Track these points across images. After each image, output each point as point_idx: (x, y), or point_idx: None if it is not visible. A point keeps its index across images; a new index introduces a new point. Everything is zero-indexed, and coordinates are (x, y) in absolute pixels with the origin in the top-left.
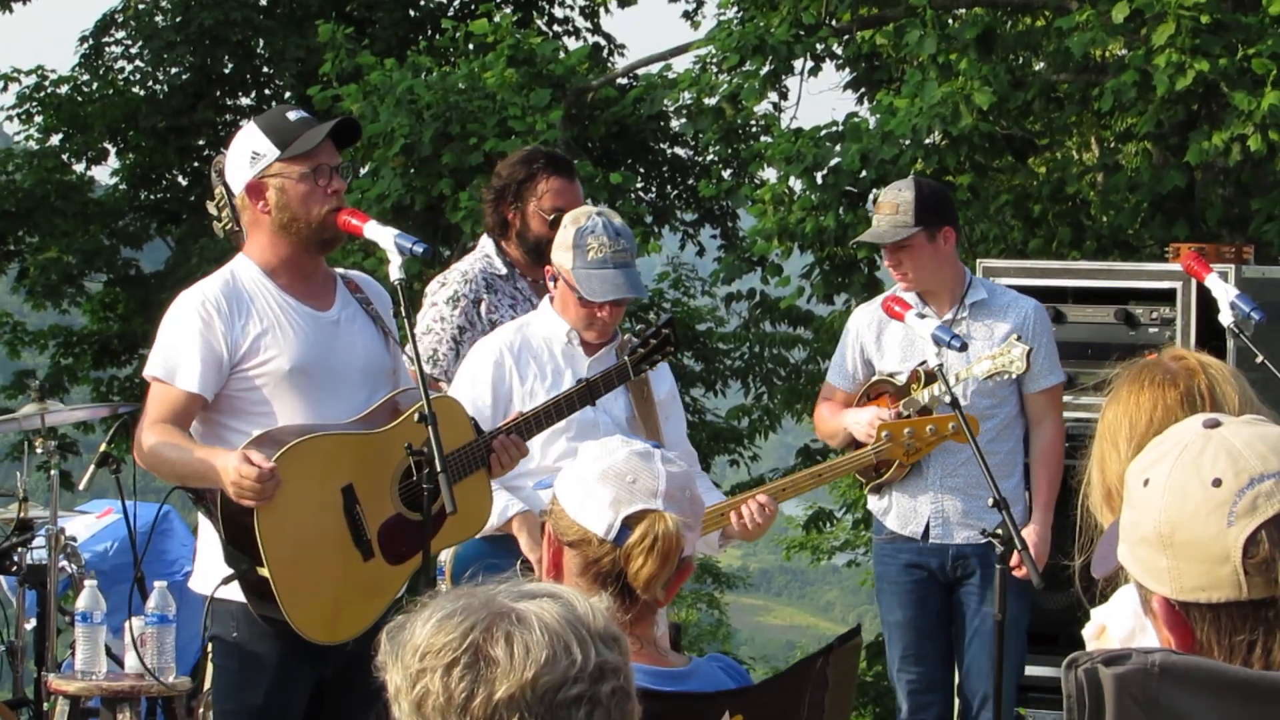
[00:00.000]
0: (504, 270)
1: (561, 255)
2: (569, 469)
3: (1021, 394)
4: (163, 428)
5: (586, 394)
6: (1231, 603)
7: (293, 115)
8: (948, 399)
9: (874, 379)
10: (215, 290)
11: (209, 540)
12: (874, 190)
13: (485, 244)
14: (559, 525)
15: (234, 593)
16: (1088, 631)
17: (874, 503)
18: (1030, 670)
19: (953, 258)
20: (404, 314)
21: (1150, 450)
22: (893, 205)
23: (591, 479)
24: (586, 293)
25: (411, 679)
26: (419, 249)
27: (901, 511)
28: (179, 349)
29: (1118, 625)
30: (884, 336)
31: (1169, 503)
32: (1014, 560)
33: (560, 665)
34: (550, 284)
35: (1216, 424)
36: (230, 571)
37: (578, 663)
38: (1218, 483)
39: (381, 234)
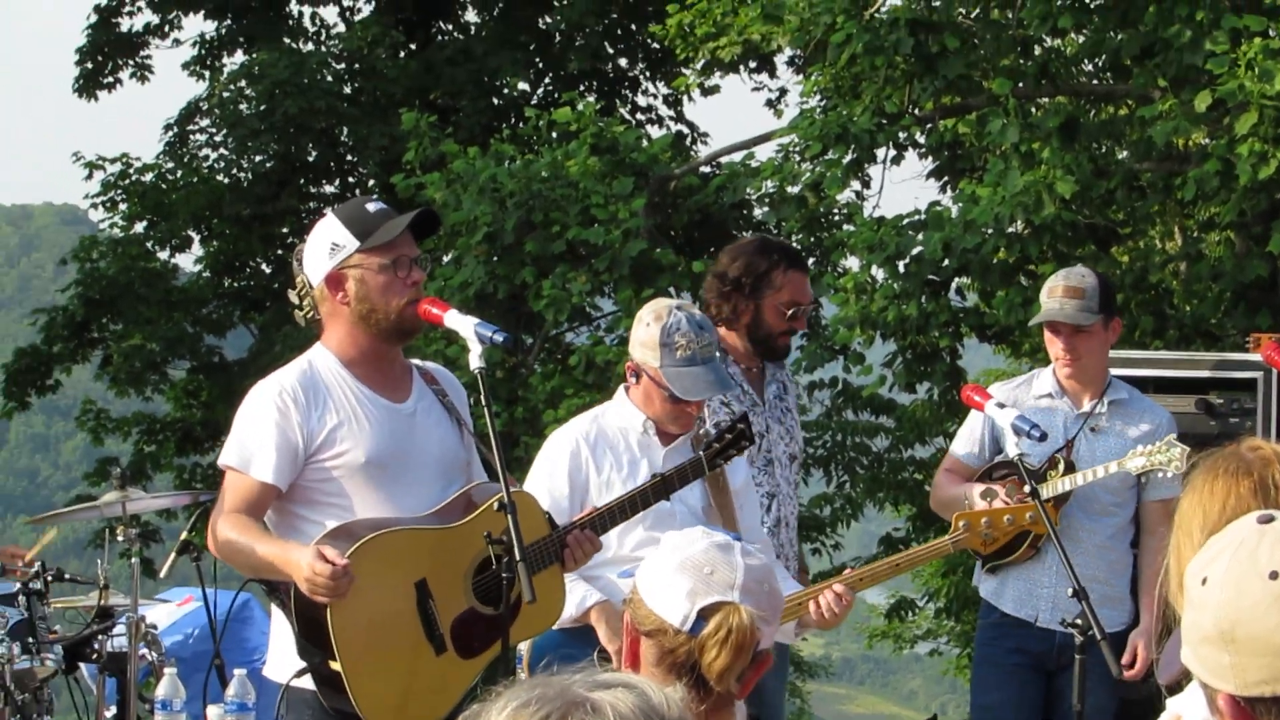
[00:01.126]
0: None
1: (646, 353)
2: (650, 559)
3: (1139, 501)
4: (237, 518)
5: (661, 489)
6: None
7: (372, 206)
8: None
9: (999, 459)
10: (292, 380)
11: (282, 629)
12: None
13: None
14: (637, 614)
15: (309, 681)
16: None
17: (986, 585)
18: None
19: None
20: (485, 403)
21: (1207, 548)
22: (1078, 290)
23: (670, 569)
24: (680, 392)
25: None
26: (499, 337)
27: (1018, 594)
28: (255, 438)
29: (1194, 715)
30: None
31: (1227, 599)
32: (1126, 659)
33: None
34: (631, 379)
35: (1271, 518)
36: (303, 665)
37: None
38: (1275, 575)
39: (462, 323)
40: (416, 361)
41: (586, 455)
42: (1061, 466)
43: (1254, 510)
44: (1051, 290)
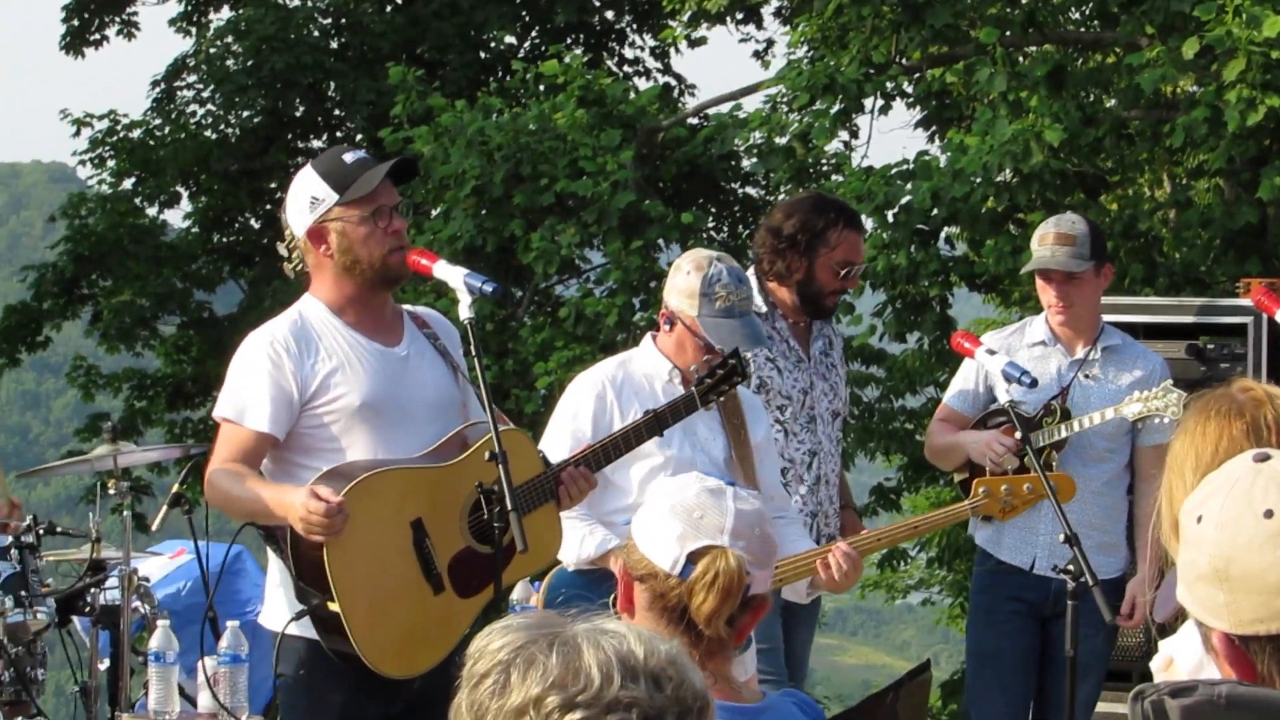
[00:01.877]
0: (764, 308)
1: (685, 302)
2: (645, 505)
3: (1134, 446)
4: (232, 466)
5: (654, 424)
6: None
7: (349, 157)
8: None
9: (994, 407)
10: (284, 330)
11: (278, 578)
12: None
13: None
14: (631, 559)
15: (302, 631)
16: (1155, 664)
17: (982, 533)
18: (1102, 707)
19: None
20: (475, 353)
21: (1202, 488)
22: (1069, 237)
23: (662, 514)
24: (717, 341)
25: (460, 686)
26: (489, 288)
27: (1014, 541)
28: (248, 389)
29: (1185, 657)
30: None
31: (1222, 537)
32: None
33: (570, 688)
34: (665, 326)
35: (1266, 457)
36: (301, 608)
37: (592, 689)
38: (1269, 514)
39: (451, 273)
40: (408, 306)
41: (612, 399)
42: (1058, 414)
43: (1247, 451)
44: (1042, 238)
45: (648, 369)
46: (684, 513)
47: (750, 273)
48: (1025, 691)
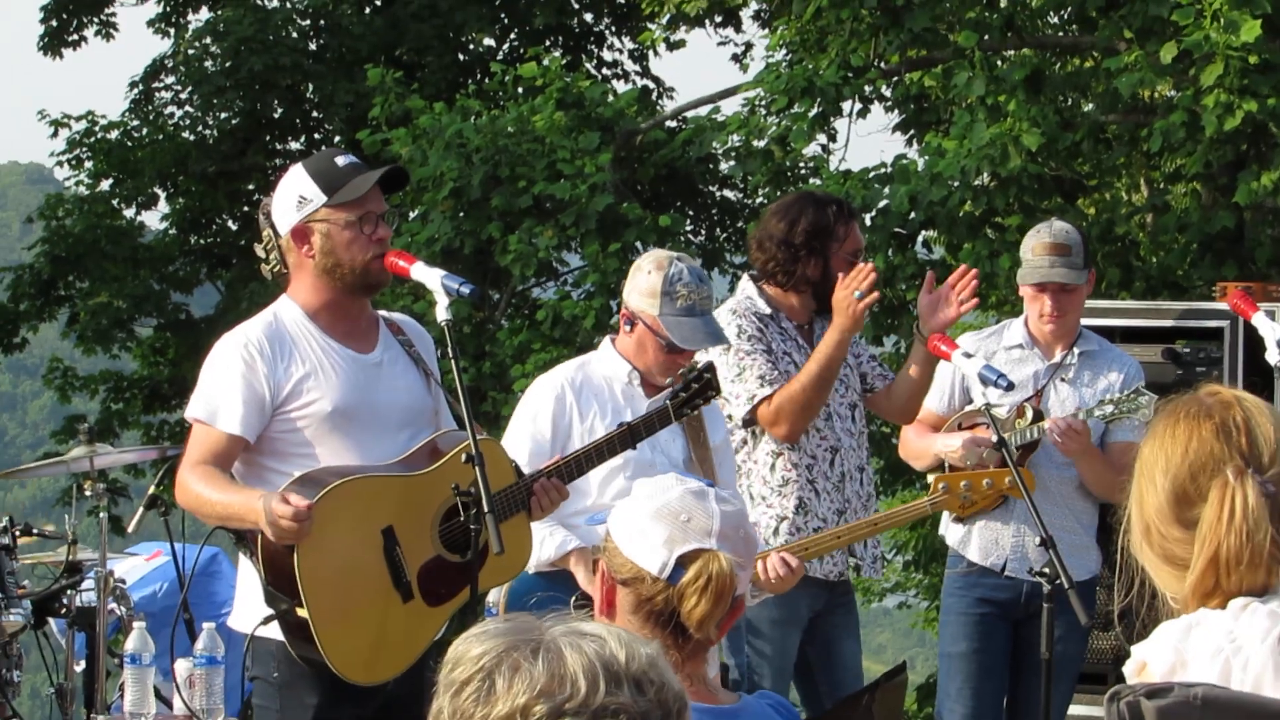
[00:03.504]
0: (768, 311)
1: (646, 301)
2: (623, 506)
3: (1105, 444)
4: (203, 469)
5: (628, 437)
6: None
7: (341, 160)
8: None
9: (969, 409)
10: (258, 332)
11: (249, 580)
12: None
13: (745, 287)
14: (613, 563)
15: (275, 632)
16: (1128, 668)
17: (953, 534)
18: (1074, 710)
19: None
20: (453, 355)
21: None
22: (1063, 247)
23: (646, 517)
24: (679, 340)
25: (437, 692)
26: (466, 289)
27: (984, 543)
28: (221, 391)
29: (1158, 662)
30: None
31: None
32: None
33: (557, 696)
34: (625, 327)
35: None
36: (270, 612)
37: (579, 696)
38: None
39: (429, 275)
40: (383, 313)
41: (571, 401)
42: (1030, 415)
43: (1217, 453)
44: (1035, 248)
45: (607, 371)
46: (669, 515)
47: (744, 281)
48: (997, 694)
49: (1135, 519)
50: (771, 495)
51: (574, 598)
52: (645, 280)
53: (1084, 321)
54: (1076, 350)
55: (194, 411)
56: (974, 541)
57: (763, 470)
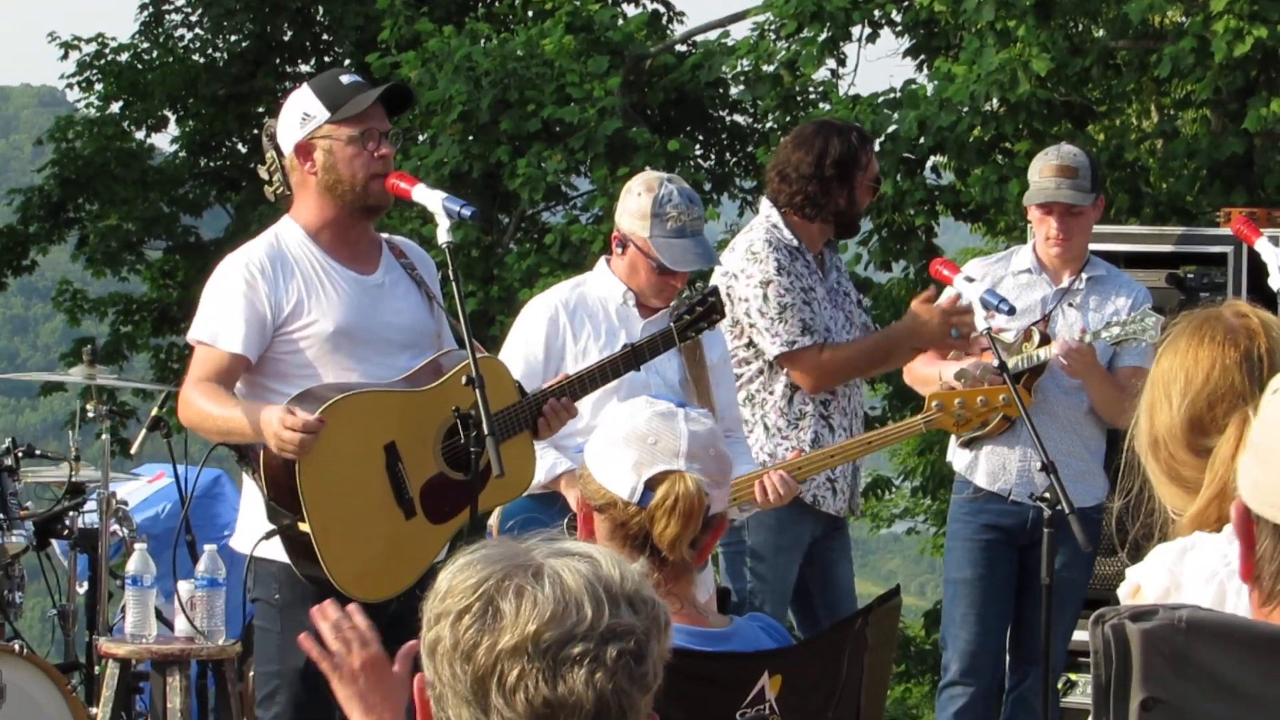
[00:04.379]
0: (795, 242)
1: (636, 223)
2: (596, 433)
3: (1112, 368)
4: (206, 385)
5: (631, 359)
6: None
7: (346, 79)
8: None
9: (973, 335)
10: (259, 253)
11: (252, 501)
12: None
13: (769, 214)
14: (588, 490)
15: (277, 554)
16: (1123, 591)
17: (960, 459)
18: (1078, 635)
19: None
20: (454, 276)
21: None
22: (1070, 169)
23: (615, 442)
24: (669, 261)
25: (429, 623)
26: (467, 211)
27: (991, 468)
28: (223, 311)
29: (1152, 584)
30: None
31: (1273, 415)
32: None
33: (567, 622)
34: (617, 249)
35: None
36: (270, 527)
37: (586, 620)
38: None
39: (430, 197)
40: (386, 235)
41: (564, 322)
42: (1037, 339)
43: (1238, 386)
44: (1043, 170)
45: (602, 292)
46: (637, 439)
47: (763, 212)
48: (1002, 620)
49: (1144, 428)
50: (788, 428)
51: (566, 520)
52: (635, 202)
53: (1089, 246)
54: (1084, 275)
55: (196, 333)
56: (981, 466)
57: (780, 402)
